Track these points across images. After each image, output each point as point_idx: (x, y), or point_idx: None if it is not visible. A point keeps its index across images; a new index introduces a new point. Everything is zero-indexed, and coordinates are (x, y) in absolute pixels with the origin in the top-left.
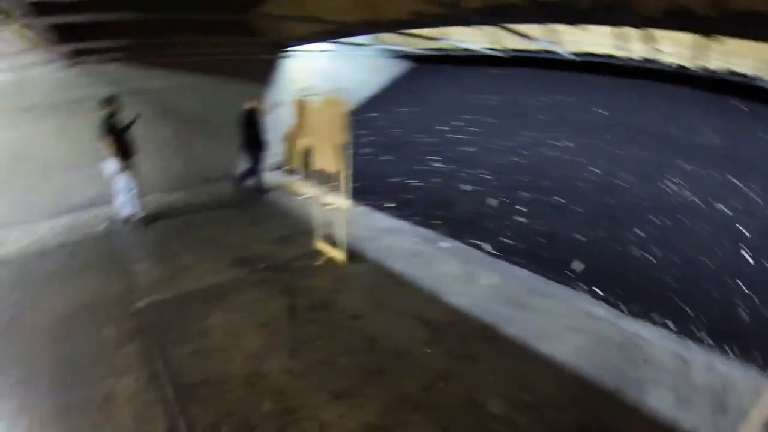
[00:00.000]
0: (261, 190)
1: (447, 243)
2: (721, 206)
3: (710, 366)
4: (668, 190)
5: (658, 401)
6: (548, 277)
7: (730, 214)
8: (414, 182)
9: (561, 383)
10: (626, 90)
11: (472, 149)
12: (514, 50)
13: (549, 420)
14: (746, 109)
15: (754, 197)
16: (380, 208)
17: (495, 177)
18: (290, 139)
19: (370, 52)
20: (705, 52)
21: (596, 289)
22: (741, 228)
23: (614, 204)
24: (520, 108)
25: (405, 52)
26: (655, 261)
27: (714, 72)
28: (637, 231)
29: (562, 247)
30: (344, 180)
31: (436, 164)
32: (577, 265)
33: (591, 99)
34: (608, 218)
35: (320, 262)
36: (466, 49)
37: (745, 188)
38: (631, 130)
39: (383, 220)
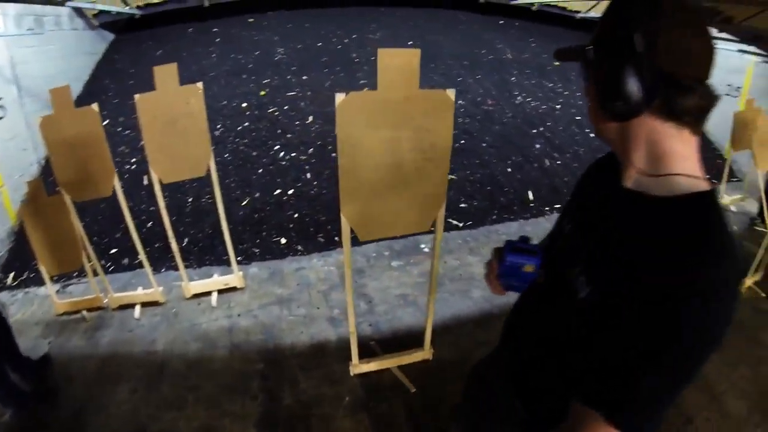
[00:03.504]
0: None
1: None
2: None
3: None
4: (520, 101)
5: None
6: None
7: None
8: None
9: None
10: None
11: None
12: None
13: None
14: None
15: None
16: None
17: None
18: None
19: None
20: None
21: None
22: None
23: (501, 130)
24: (321, 54)
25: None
26: (561, 164)
27: None
28: (537, 145)
29: (507, 185)
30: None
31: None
32: (529, 196)
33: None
34: (507, 142)
35: None
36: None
37: None
38: (438, 56)
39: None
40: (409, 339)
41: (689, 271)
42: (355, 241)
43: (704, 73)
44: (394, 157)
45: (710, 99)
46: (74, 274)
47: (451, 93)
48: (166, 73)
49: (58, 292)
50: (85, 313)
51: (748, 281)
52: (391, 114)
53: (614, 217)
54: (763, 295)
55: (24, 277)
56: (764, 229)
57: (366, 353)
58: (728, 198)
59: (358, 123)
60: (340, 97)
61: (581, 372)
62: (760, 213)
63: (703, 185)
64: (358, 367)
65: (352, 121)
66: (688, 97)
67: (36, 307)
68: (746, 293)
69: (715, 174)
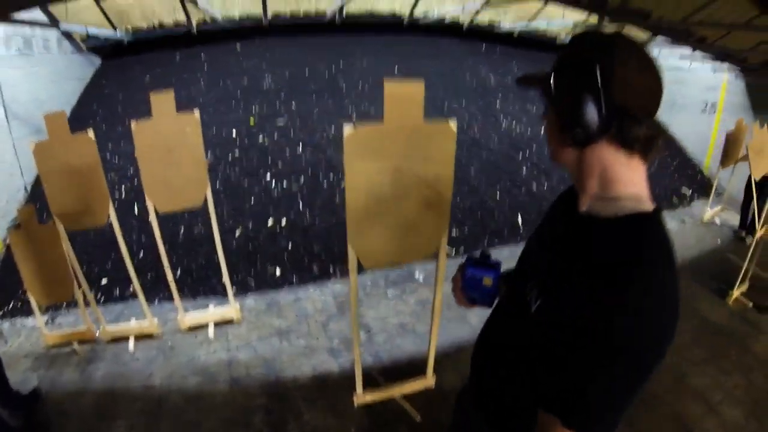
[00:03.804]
0: None
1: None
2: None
3: None
4: (505, 126)
5: None
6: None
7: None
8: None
9: None
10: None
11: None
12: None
13: None
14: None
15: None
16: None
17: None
18: None
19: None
20: None
21: None
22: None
23: (488, 155)
24: (309, 82)
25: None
26: (548, 187)
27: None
28: (524, 170)
29: (497, 210)
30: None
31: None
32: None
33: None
34: (495, 168)
35: None
36: None
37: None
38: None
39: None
40: (411, 367)
41: (626, 287)
42: None
43: (653, 107)
44: (400, 187)
45: (658, 131)
46: (63, 305)
47: (452, 124)
48: (162, 101)
49: (46, 323)
50: (76, 345)
51: (735, 292)
52: (397, 145)
53: (568, 238)
54: (751, 305)
55: (10, 306)
56: (746, 240)
57: (369, 383)
58: (711, 211)
59: (365, 155)
60: (348, 131)
61: (540, 381)
62: (741, 224)
63: (647, 207)
64: (363, 397)
65: (359, 153)
66: (638, 128)
67: (23, 339)
68: (734, 305)
69: (697, 188)
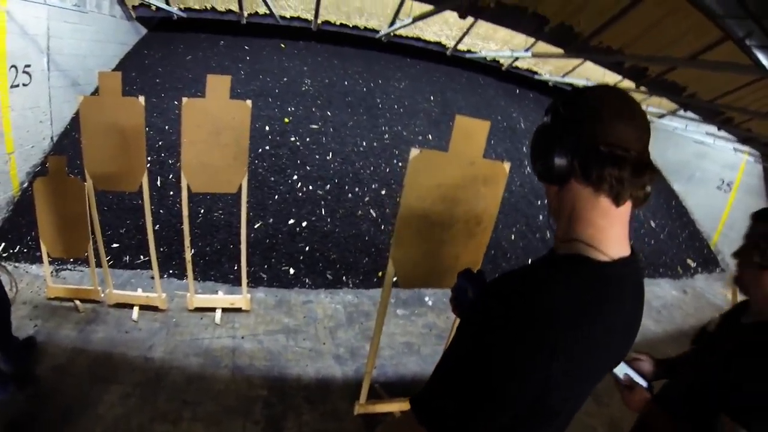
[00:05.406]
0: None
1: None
2: None
3: None
4: (528, 171)
5: None
6: None
7: None
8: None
9: None
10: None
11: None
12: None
13: None
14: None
15: None
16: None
17: None
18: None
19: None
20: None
21: None
22: None
23: (509, 197)
24: (346, 93)
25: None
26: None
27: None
28: (540, 216)
29: (510, 252)
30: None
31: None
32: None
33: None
34: (513, 210)
35: None
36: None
37: None
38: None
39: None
40: (413, 386)
41: (498, 299)
42: (363, 284)
43: (631, 148)
44: (450, 216)
45: (633, 170)
46: (70, 261)
47: (506, 165)
48: (218, 83)
49: (51, 274)
50: (78, 303)
51: None
52: (455, 175)
53: None
54: None
55: (16, 250)
56: None
57: (371, 395)
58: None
59: (425, 178)
60: (414, 152)
61: None
62: None
63: (598, 255)
64: (364, 407)
65: (421, 175)
66: (606, 168)
67: (25, 286)
68: None
69: (702, 262)
